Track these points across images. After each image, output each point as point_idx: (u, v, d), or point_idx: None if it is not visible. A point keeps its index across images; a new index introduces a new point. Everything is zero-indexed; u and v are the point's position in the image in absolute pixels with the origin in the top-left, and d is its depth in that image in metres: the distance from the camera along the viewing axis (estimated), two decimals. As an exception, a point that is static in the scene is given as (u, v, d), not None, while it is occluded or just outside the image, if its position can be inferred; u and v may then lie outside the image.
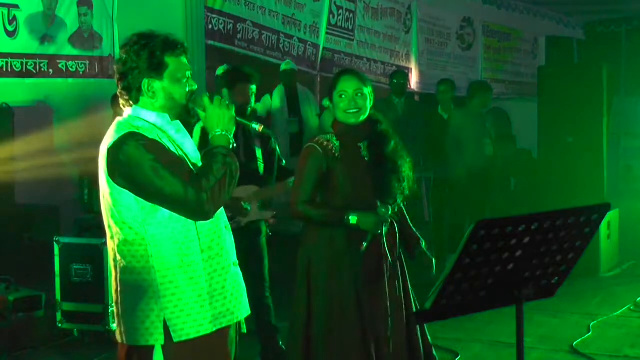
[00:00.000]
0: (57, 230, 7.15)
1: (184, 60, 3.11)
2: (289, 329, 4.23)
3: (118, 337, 3.12)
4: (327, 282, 4.05)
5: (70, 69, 8.07)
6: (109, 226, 3.10)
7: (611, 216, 8.61)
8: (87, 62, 8.22)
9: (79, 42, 8.12)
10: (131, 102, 3.09)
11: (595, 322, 6.63)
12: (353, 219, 3.96)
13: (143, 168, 2.93)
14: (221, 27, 9.24)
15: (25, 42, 7.59)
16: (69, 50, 8.03)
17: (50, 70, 7.86)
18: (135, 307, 3.02)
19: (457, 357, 5.81)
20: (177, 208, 2.97)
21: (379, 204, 4.01)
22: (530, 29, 15.32)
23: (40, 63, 7.76)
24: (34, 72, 7.71)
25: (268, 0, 9.80)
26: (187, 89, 3.11)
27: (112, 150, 2.98)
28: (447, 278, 2.78)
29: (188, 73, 3.11)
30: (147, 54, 3.03)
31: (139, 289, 3.02)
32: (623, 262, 9.11)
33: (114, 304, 3.17)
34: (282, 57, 9.91)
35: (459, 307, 2.96)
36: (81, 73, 8.16)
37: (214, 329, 3.07)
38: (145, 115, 3.08)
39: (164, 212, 2.99)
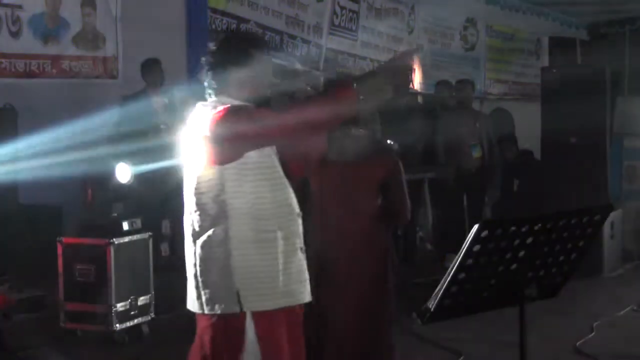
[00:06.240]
0: (60, 230, 7.15)
1: (269, 57, 3.34)
2: None
3: (197, 308, 3.26)
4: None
5: (74, 69, 8.08)
6: (192, 201, 3.24)
7: (614, 217, 8.61)
8: (91, 62, 8.23)
9: (83, 43, 8.13)
10: (218, 91, 3.26)
11: (598, 322, 6.63)
12: None
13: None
14: (224, 27, 9.24)
15: (28, 43, 7.60)
16: (73, 50, 8.05)
17: (54, 70, 7.87)
18: (214, 278, 3.19)
19: (460, 357, 5.81)
20: None
21: None
22: (533, 30, 15.30)
23: (43, 63, 7.78)
24: (38, 72, 7.72)
25: (271, 1, 9.80)
26: (271, 84, 3.33)
27: (218, 118, 3.14)
28: (450, 278, 2.78)
29: (271, 69, 3.33)
30: (239, 47, 3.27)
31: (217, 260, 3.18)
32: (626, 262, 9.11)
33: (192, 277, 3.27)
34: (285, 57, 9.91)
35: (462, 307, 2.97)
36: (85, 73, 8.18)
37: (283, 306, 3.22)
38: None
39: (246, 187, 3.16)
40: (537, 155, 10.22)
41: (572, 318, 6.77)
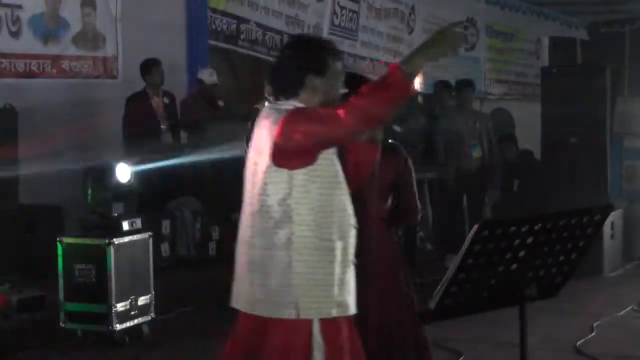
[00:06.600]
0: (60, 230, 7.14)
1: (339, 65, 3.36)
2: None
3: (247, 308, 3.25)
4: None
5: (74, 69, 8.08)
6: (256, 202, 3.23)
7: (614, 216, 8.61)
8: (91, 62, 8.22)
9: (83, 42, 8.13)
10: (289, 95, 3.27)
11: (598, 322, 6.63)
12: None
13: None
14: (224, 27, 9.24)
15: (28, 43, 7.60)
16: (73, 50, 8.04)
17: (54, 71, 7.87)
18: (273, 281, 3.18)
19: (460, 357, 5.81)
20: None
21: None
22: (533, 30, 15.29)
23: (43, 63, 7.77)
24: (38, 72, 7.72)
25: (271, 1, 9.80)
26: (341, 91, 3.33)
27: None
28: (450, 278, 2.79)
29: (342, 76, 3.35)
30: (314, 53, 3.30)
31: (278, 264, 3.18)
32: (626, 262, 9.11)
33: (247, 277, 3.26)
34: (285, 57, 9.90)
35: (463, 308, 2.97)
36: (85, 73, 8.17)
37: (337, 315, 3.21)
38: None
39: (313, 194, 3.17)
40: (537, 155, 10.22)
41: (572, 318, 6.77)
